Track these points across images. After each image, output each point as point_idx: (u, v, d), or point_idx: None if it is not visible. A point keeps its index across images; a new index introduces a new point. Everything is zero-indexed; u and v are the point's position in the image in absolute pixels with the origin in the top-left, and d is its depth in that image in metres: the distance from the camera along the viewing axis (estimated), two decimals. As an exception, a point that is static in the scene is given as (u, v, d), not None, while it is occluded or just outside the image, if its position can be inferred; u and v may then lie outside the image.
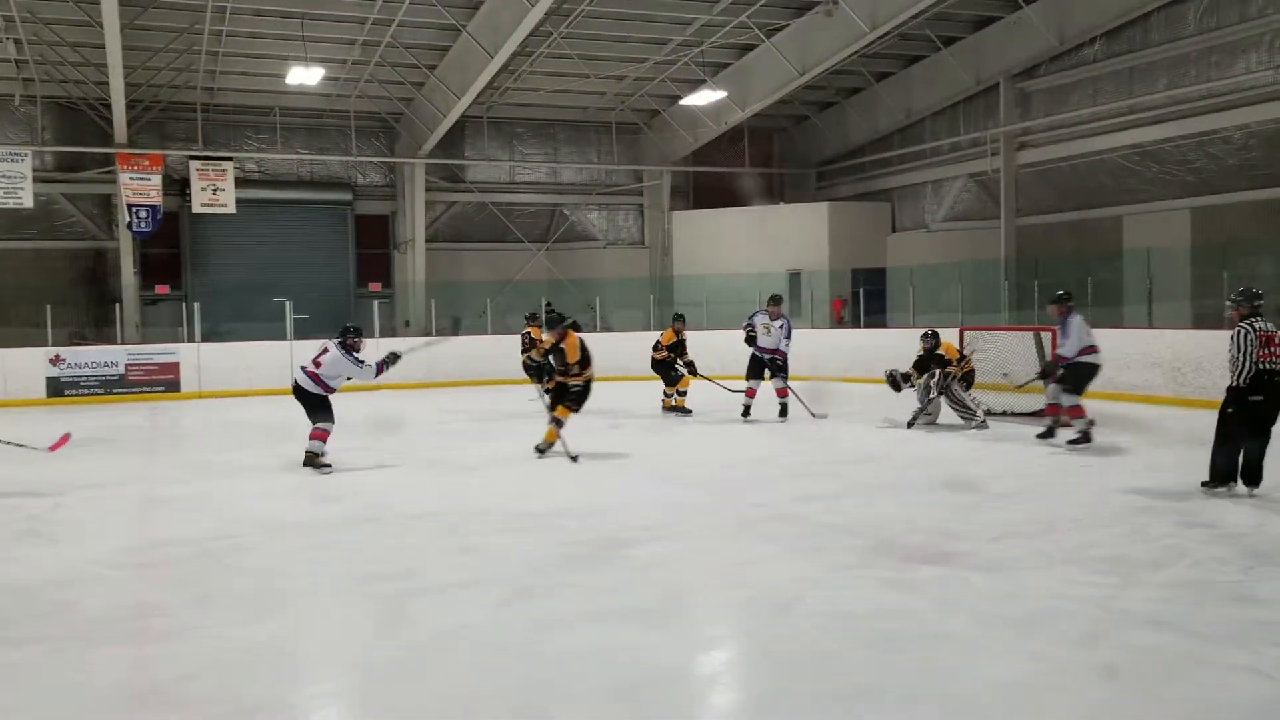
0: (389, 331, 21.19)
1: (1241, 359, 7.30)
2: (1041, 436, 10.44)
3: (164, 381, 17.63)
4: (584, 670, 4.30)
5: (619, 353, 19.97)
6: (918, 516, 7.16)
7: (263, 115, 22.71)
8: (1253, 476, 7.44)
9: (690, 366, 13.37)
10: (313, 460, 9.61)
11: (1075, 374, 9.99)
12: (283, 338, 18.27)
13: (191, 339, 18.32)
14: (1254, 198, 17.07)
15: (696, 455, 10.22)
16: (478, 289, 22.77)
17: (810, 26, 19.06)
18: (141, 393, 17.41)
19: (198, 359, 17.80)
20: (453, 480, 9.03)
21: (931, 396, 11.55)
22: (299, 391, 9.90)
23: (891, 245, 24.32)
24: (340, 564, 6.17)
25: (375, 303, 20.64)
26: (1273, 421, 7.39)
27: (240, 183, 21.78)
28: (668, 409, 13.39)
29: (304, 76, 18.51)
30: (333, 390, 9.84)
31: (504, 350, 19.74)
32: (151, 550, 6.60)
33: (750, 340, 12.51)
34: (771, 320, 12.35)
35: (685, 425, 12.74)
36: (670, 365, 13.32)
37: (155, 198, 20.47)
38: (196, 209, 21.23)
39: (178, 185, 21.63)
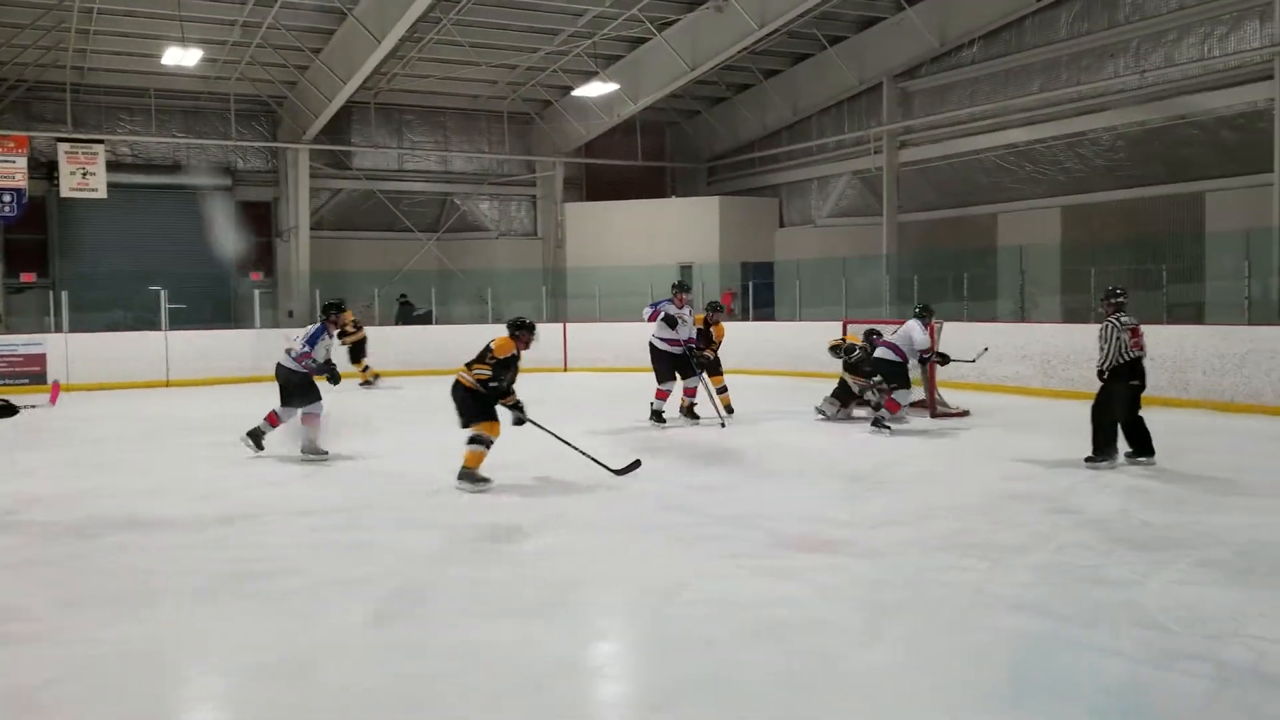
0: (270, 322, 20.67)
1: (1108, 348, 8.21)
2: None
3: (29, 374, 16.85)
4: (471, 666, 4.29)
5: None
6: (803, 506, 7.32)
7: (136, 97, 21.87)
8: (1146, 450, 8.34)
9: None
10: (313, 447, 9.40)
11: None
12: (158, 328, 17.66)
13: (59, 329, 17.55)
14: (1121, 197, 17.89)
15: (589, 448, 10.21)
16: (365, 279, 22.38)
17: (700, 22, 19.23)
18: (5, 385, 16.63)
19: (66, 350, 17.05)
20: (340, 475, 8.86)
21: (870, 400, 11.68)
22: (281, 371, 9.44)
23: (779, 240, 24.74)
24: (220, 562, 6.01)
25: (256, 292, 20.06)
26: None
27: (112, 167, 20.96)
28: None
29: (181, 57, 17.90)
30: (315, 366, 9.42)
31: (390, 341, 19.51)
32: (15, 551, 6.31)
33: (673, 324, 11.47)
34: (679, 309, 11.68)
35: (571, 417, 12.68)
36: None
37: (20, 181, 19.57)
38: (65, 193, 20.36)
39: (45, 168, 20.70)
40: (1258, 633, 4.45)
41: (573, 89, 22.12)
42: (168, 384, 16.98)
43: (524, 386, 10.22)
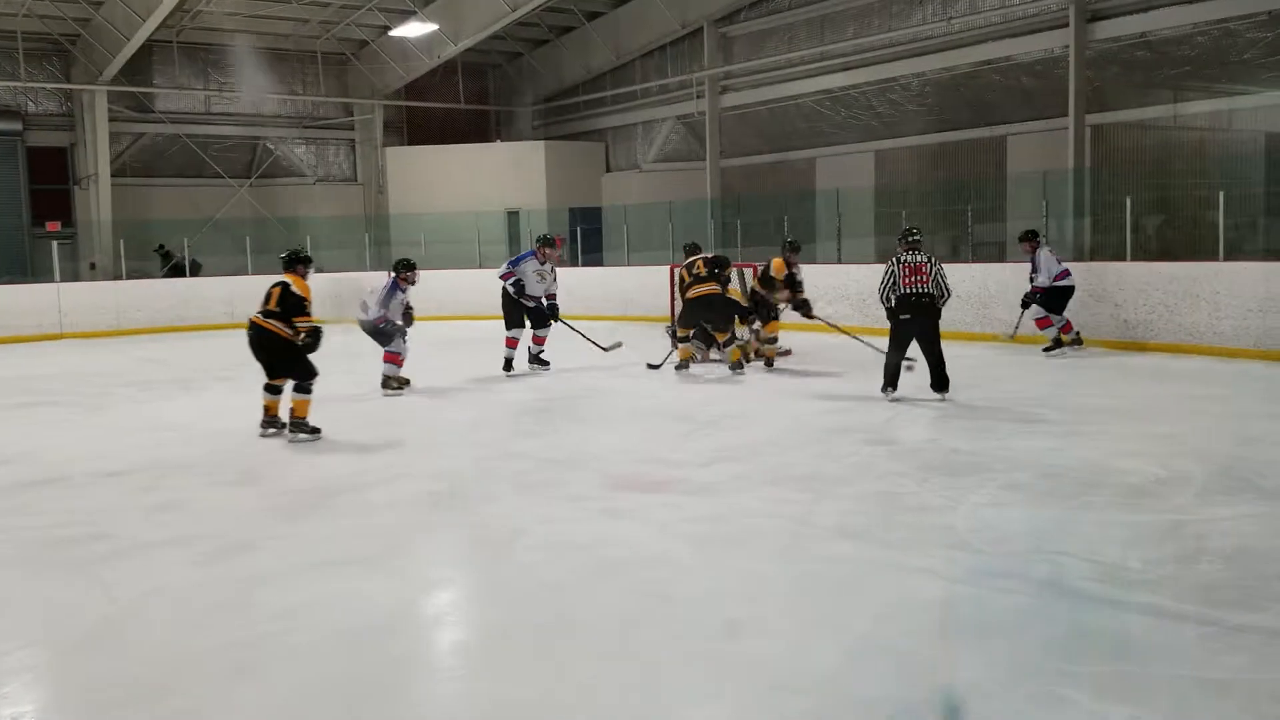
0: (71, 275, 19.40)
1: (883, 286, 8.73)
2: (1047, 350, 11.45)
3: None
4: (302, 623, 4.19)
5: (334, 294, 19.34)
6: (635, 447, 7.44)
7: (-93, 33, 19.98)
8: (936, 384, 8.70)
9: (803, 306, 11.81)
10: (394, 380, 10.12)
11: (1053, 297, 11.38)
12: (-57, 284, 16.35)
13: None
14: (929, 141, 18.64)
15: (417, 397, 10.07)
16: (173, 227, 21.24)
17: (521, -39, 18.87)
18: None
19: None
20: (148, 434, 8.44)
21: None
22: (364, 326, 10.25)
23: (606, 184, 24.75)
24: (27, 529, 5.67)
25: (55, 243, 18.75)
26: (935, 334, 8.69)
27: (-119, 109, 19.14)
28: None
29: (-46, -11, 16.42)
30: (389, 319, 10.12)
31: (207, 294, 18.67)
32: None
33: (520, 292, 11.16)
34: (542, 264, 11.26)
35: (409, 367, 12.45)
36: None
37: None
38: None
39: None
40: (1058, 549, 4.78)
41: (390, 29, 21.41)
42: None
43: (351, 337, 10.02)
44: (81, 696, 3.64)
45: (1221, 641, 3.75)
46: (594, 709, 3.41)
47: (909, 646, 3.82)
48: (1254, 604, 4.07)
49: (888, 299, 8.73)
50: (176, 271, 20.14)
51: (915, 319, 8.62)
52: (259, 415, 8.08)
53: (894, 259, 8.75)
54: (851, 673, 3.61)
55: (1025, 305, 11.62)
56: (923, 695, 3.41)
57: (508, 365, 11.34)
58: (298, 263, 8.04)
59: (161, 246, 20.65)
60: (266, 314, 7.81)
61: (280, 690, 3.59)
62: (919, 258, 8.65)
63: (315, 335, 7.84)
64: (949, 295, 8.72)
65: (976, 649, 3.76)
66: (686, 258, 11.24)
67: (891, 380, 8.83)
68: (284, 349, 7.85)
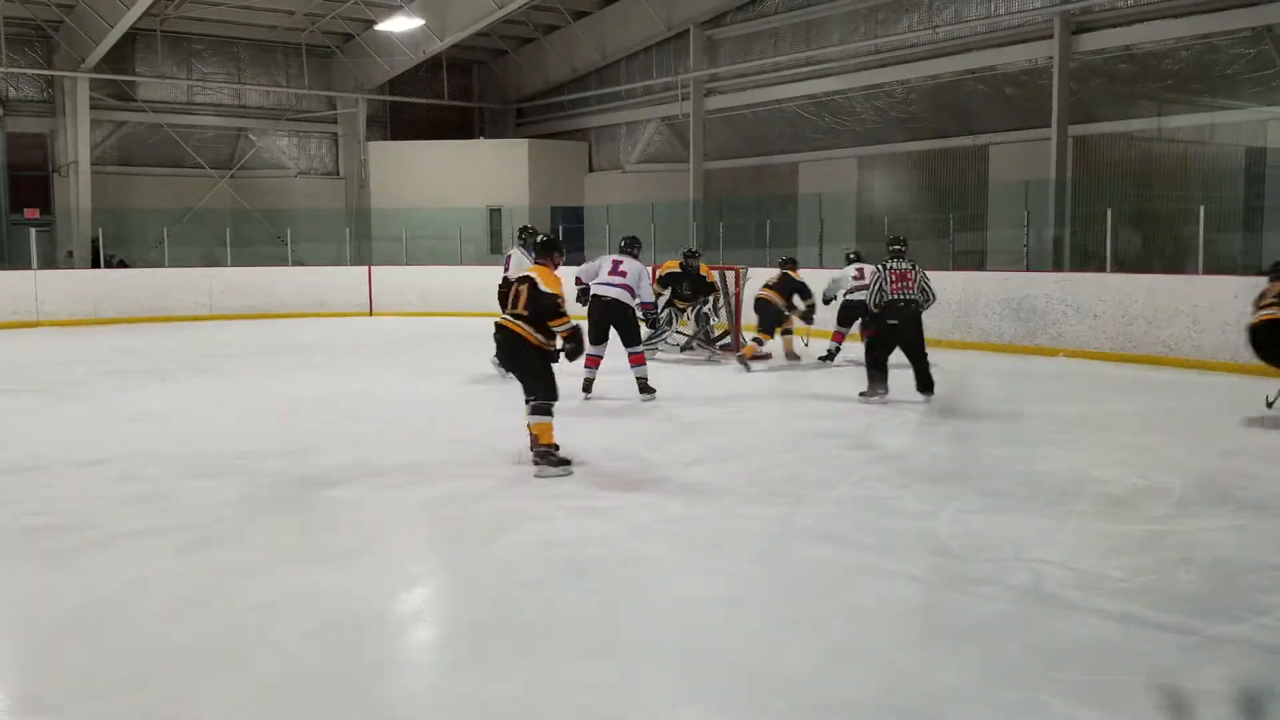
0: (49, 263, 19.21)
1: (873, 291, 8.87)
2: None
3: None
4: (283, 616, 4.16)
5: (314, 288, 19.30)
6: (617, 446, 7.41)
7: (-115, 15, 19.72)
8: (921, 386, 8.87)
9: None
10: (644, 386, 9.26)
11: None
12: (-82, 270, 16.15)
13: None
14: (912, 148, 18.72)
15: (396, 393, 10.03)
16: (153, 217, 21.07)
17: (509, -42, 18.82)
18: None
19: None
20: (129, 424, 8.37)
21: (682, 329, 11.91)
22: (615, 307, 9.30)
23: (589, 184, 24.74)
24: (3, 517, 5.59)
25: (33, 231, 18.55)
26: (918, 339, 8.87)
27: None
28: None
29: (-65, -29, 16.23)
30: (638, 299, 9.45)
31: (182, 284, 18.53)
32: None
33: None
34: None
35: (377, 363, 12.42)
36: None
37: None
38: None
39: None
40: (1037, 556, 4.81)
41: (375, 23, 21.32)
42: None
43: (330, 331, 9.92)
44: (57, 686, 3.59)
45: (1200, 652, 3.77)
46: (573, 707, 3.39)
47: (888, 650, 3.83)
48: (1232, 615, 4.09)
49: (874, 303, 8.90)
50: (102, 264, 20.15)
51: (902, 325, 8.81)
52: (238, 406, 8.00)
53: (881, 265, 8.94)
54: (830, 675, 3.61)
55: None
56: (901, 699, 3.42)
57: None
58: (551, 249, 6.70)
59: (95, 240, 20.55)
60: (515, 316, 6.50)
61: (259, 683, 3.55)
62: (904, 265, 8.87)
63: (576, 339, 6.52)
64: (934, 299, 8.93)
65: (956, 654, 3.76)
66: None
67: (872, 385, 8.97)
68: (531, 358, 6.52)
